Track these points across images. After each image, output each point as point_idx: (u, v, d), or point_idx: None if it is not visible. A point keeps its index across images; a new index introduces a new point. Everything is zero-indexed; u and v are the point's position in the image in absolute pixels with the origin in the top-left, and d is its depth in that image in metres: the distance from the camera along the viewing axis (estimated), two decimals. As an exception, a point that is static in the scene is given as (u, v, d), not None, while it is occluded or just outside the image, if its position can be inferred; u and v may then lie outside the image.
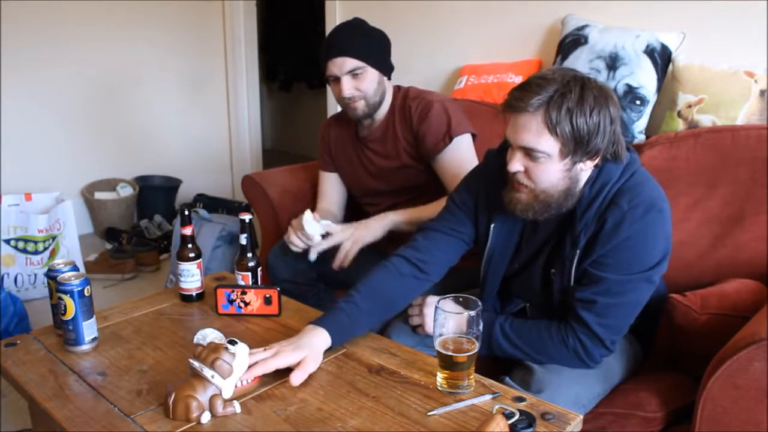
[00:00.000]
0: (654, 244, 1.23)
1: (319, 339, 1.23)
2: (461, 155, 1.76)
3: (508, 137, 1.24)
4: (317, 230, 1.72)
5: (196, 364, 1.09)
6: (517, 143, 1.21)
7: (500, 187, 1.32)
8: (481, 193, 1.42)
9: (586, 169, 1.24)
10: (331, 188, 2.01)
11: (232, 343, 1.11)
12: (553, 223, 1.32)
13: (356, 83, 1.74)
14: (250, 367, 1.15)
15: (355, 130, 1.91)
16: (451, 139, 1.75)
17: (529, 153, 1.20)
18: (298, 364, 1.17)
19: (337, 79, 1.75)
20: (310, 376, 1.18)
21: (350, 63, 1.72)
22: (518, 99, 1.18)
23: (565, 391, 1.23)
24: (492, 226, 1.39)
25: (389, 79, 1.84)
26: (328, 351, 1.24)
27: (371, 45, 1.76)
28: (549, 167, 1.20)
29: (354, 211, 2.03)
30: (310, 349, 1.19)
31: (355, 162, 1.93)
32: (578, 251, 1.26)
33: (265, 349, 1.19)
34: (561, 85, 1.16)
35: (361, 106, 1.78)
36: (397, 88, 1.89)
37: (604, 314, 1.24)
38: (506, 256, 1.41)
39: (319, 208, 1.98)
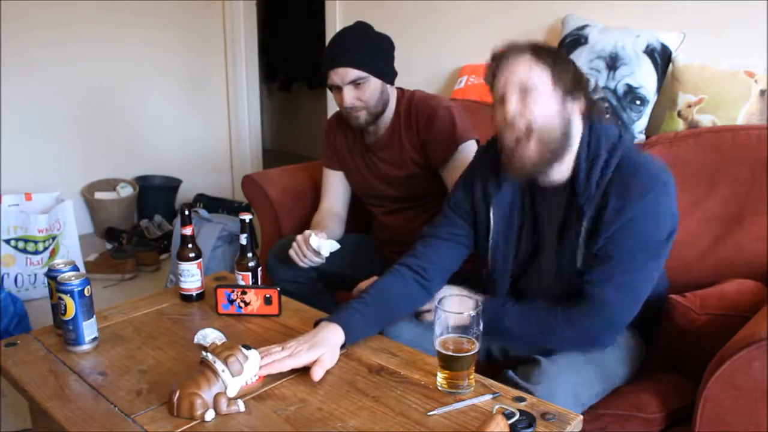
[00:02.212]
0: (660, 220, 1.24)
1: (334, 335, 1.24)
2: (467, 163, 1.75)
3: (500, 90, 1.27)
4: (326, 250, 1.69)
5: (209, 356, 1.09)
6: (513, 84, 1.25)
7: (494, 176, 1.37)
8: (476, 184, 1.43)
9: (575, 116, 1.28)
10: (336, 187, 1.98)
11: (246, 347, 1.13)
12: (553, 202, 1.34)
13: (358, 93, 1.70)
14: (266, 365, 1.16)
15: (362, 136, 1.88)
16: (456, 147, 1.73)
17: (525, 90, 1.24)
18: (316, 360, 1.18)
19: (339, 88, 1.71)
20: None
21: (352, 73, 1.67)
22: (504, 51, 1.28)
23: (564, 381, 1.23)
24: (491, 210, 1.40)
25: (392, 85, 1.81)
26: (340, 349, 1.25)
27: (374, 54, 1.71)
28: (544, 99, 1.24)
29: (357, 210, 2.03)
30: (326, 346, 1.21)
31: (362, 167, 1.91)
32: (584, 223, 1.27)
33: (282, 348, 1.21)
34: (535, 43, 1.29)
35: (363, 116, 1.74)
36: (401, 92, 1.85)
37: (615, 293, 1.25)
38: (511, 243, 1.41)
39: (323, 206, 1.96)
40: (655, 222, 1.24)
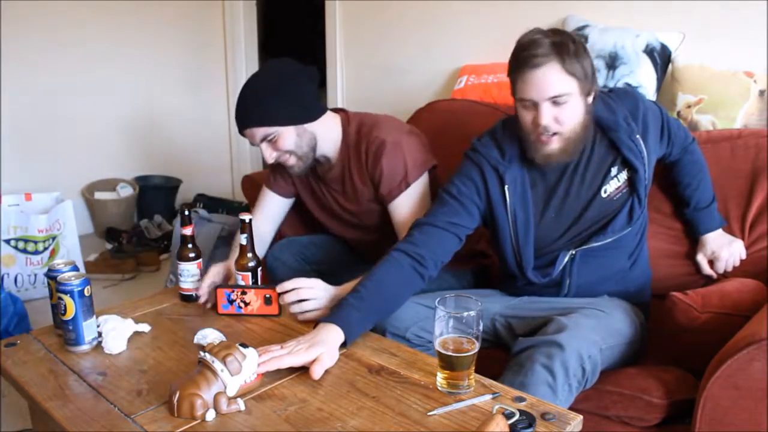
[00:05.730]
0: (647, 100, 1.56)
1: (333, 335, 1.24)
2: (416, 200, 1.64)
3: (530, 97, 1.33)
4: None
5: (207, 356, 1.09)
6: (545, 96, 1.32)
7: (501, 156, 1.47)
8: (484, 168, 1.48)
9: (591, 103, 1.41)
10: (272, 209, 1.84)
11: (244, 346, 1.13)
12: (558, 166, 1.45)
13: (274, 146, 1.61)
14: (264, 362, 1.16)
15: (314, 166, 1.75)
16: (408, 185, 1.63)
17: (556, 100, 1.32)
18: (315, 359, 1.18)
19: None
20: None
21: (259, 132, 1.59)
22: (532, 57, 1.30)
23: (584, 323, 1.31)
24: (506, 186, 1.46)
25: (314, 119, 1.64)
26: (340, 348, 1.26)
27: (277, 104, 1.58)
28: (574, 106, 1.35)
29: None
30: (325, 345, 1.21)
31: (320, 198, 1.82)
32: (645, 150, 1.43)
33: (282, 347, 1.21)
34: (558, 38, 1.32)
35: (296, 165, 1.65)
36: (346, 118, 1.72)
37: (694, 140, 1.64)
38: (528, 211, 1.46)
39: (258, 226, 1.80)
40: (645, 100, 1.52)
